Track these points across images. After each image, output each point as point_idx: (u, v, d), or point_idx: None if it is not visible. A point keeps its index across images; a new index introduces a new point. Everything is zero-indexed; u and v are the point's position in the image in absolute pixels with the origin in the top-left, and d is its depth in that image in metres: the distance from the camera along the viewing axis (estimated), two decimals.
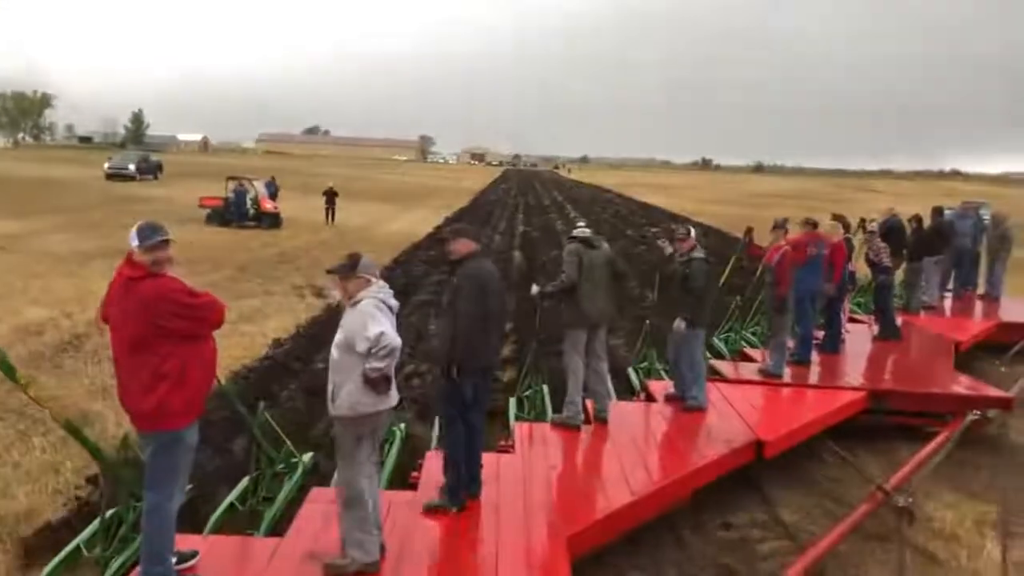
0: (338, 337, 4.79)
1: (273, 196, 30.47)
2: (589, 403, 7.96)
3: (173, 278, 4.40)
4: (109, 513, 5.18)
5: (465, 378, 5.70)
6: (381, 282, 4.95)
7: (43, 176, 49.46)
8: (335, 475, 4.85)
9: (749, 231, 11.16)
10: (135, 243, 4.34)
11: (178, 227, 23.97)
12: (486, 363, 5.94)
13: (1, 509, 6.21)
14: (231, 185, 29.29)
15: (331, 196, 30.21)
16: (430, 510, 5.67)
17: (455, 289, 5.76)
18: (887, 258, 11.90)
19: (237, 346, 11.16)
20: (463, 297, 5.66)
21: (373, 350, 4.59)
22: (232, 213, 28.23)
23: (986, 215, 17.99)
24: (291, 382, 9.83)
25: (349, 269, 4.86)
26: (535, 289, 7.84)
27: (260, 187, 30.05)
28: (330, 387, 4.77)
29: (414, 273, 19.14)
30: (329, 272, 5.01)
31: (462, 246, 5.88)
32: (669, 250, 8.94)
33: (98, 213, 29.01)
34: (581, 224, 8.25)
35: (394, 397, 4.87)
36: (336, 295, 5.29)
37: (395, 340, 4.67)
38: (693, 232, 8.53)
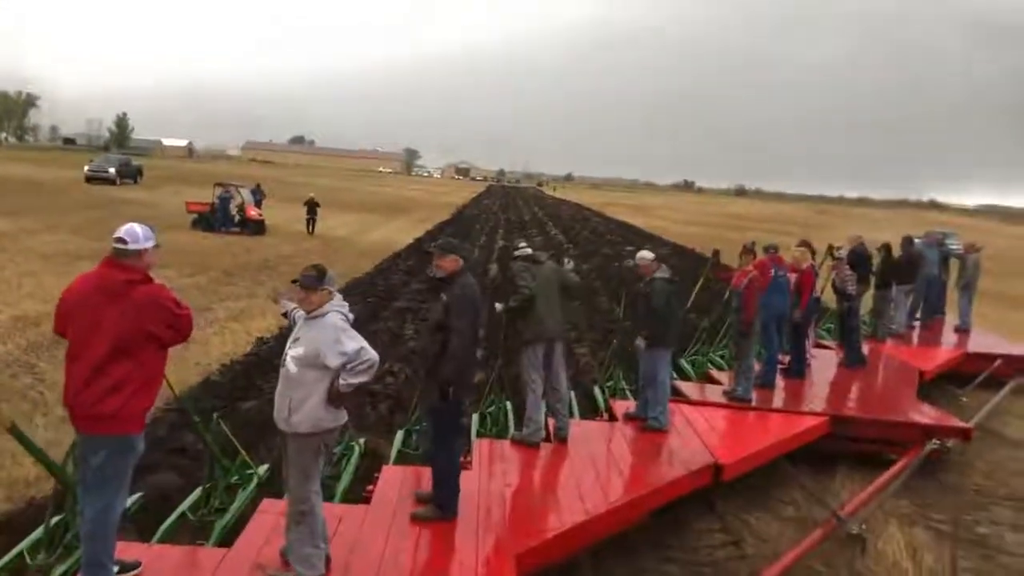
0: (298, 351, 4.70)
1: (258, 204, 30.76)
2: (551, 421, 7.98)
3: (163, 285, 4.47)
4: (55, 520, 5.13)
5: (462, 396, 5.80)
6: (340, 296, 4.94)
7: (27, 177, 49.15)
8: (287, 489, 4.81)
9: (716, 253, 11.23)
10: (151, 244, 4.41)
11: (164, 231, 24.82)
12: (474, 380, 6.00)
13: None
14: (217, 191, 29.64)
15: (312, 206, 30.16)
16: (419, 520, 5.74)
17: (447, 308, 5.70)
18: (852, 286, 12.02)
19: (226, 342, 11.90)
20: (459, 317, 5.65)
21: (350, 365, 4.59)
22: (217, 219, 28.56)
23: (953, 244, 18.20)
24: (274, 376, 9.87)
25: (316, 281, 4.82)
26: (499, 307, 7.87)
27: (246, 194, 30.42)
28: (285, 403, 4.67)
29: (393, 281, 19.93)
30: (294, 283, 5.01)
31: (450, 263, 5.84)
32: (636, 270, 9.01)
33: (84, 215, 29.32)
34: (522, 244, 8.31)
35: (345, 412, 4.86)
36: (290, 305, 5.25)
37: (375, 355, 4.67)
38: (651, 256, 8.55)
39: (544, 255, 8.29)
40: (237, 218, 28.96)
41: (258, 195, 31.69)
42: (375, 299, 16.97)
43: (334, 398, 4.62)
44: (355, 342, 4.61)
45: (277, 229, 29.65)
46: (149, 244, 4.42)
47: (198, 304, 14.79)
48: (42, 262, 18.02)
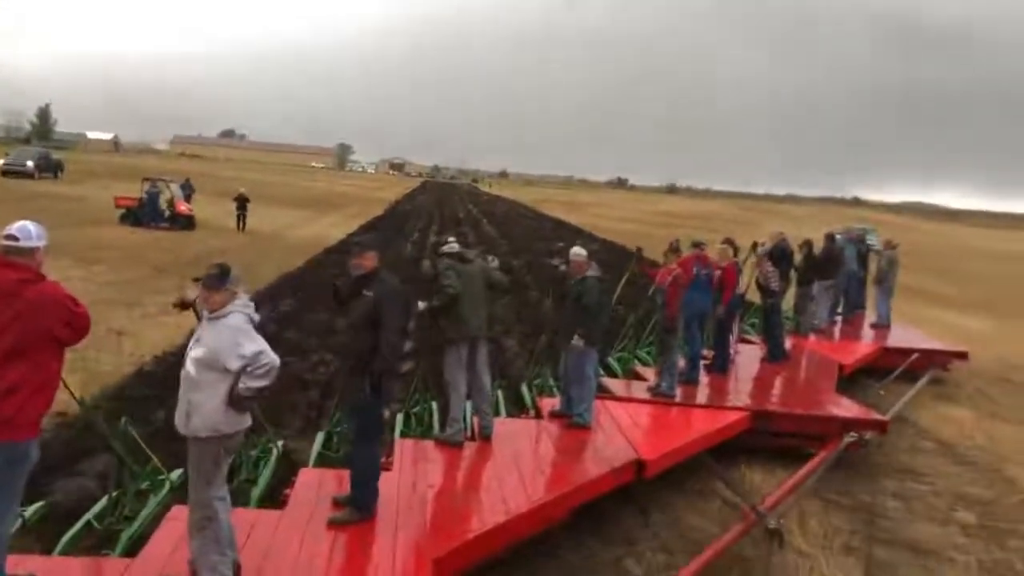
0: (197, 352, 4.56)
1: (187, 199, 30.59)
2: (476, 419, 7.93)
3: (57, 283, 4.30)
4: None
5: (391, 390, 5.85)
6: (246, 297, 4.79)
7: None
8: (189, 496, 4.66)
9: (639, 250, 11.32)
10: (43, 243, 4.25)
11: (92, 226, 25.65)
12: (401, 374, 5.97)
13: None
14: (145, 186, 29.25)
15: (242, 202, 29.63)
16: (337, 523, 5.63)
17: (376, 305, 5.66)
18: (775, 282, 12.24)
19: (160, 336, 12.08)
20: (388, 314, 5.65)
21: (249, 368, 4.45)
22: (146, 214, 28.23)
23: (871, 240, 18.68)
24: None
25: (218, 280, 4.66)
26: (422, 305, 7.78)
27: (175, 189, 30.32)
28: (183, 406, 4.53)
29: (324, 276, 19.56)
30: (196, 281, 4.84)
31: (368, 260, 5.84)
32: (563, 268, 9.01)
33: (6, 209, 27.55)
34: (451, 239, 8.24)
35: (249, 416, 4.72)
36: (191, 296, 5.07)
37: (276, 359, 4.55)
38: (584, 253, 8.56)
39: (472, 253, 8.23)
40: (167, 213, 28.64)
41: (187, 190, 31.45)
42: (304, 294, 16.81)
43: (234, 402, 4.48)
44: (255, 344, 4.49)
45: (207, 224, 29.46)
46: (42, 243, 4.26)
47: (131, 298, 14.76)
48: None
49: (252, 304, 4.77)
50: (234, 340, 4.49)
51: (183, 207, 29.26)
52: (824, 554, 6.89)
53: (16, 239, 4.15)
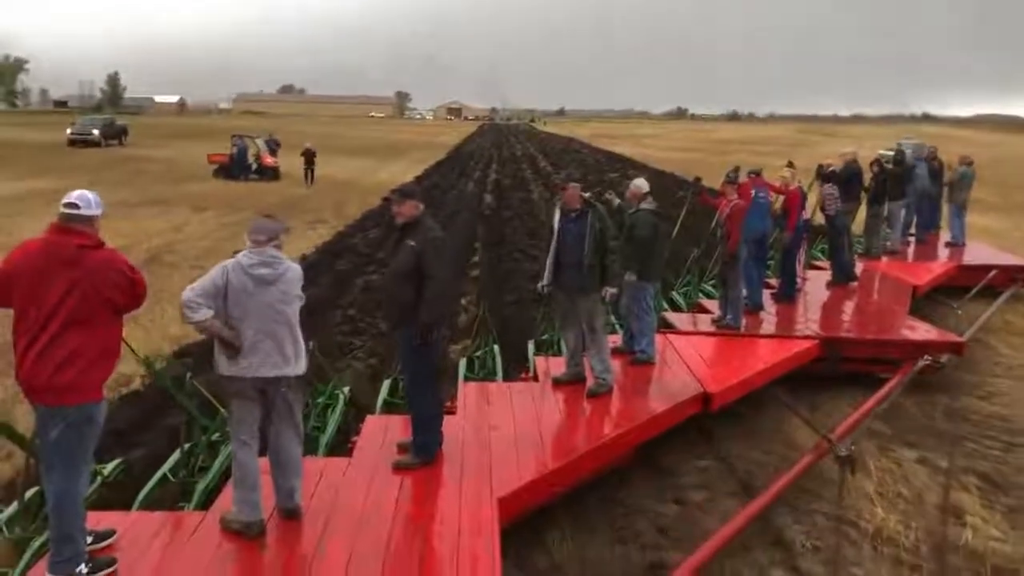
0: None
1: (273, 152, 32.56)
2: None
3: (115, 250, 4.37)
4: (30, 493, 5.09)
5: (438, 339, 5.80)
6: (267, 249, 4.77)
7: (38, 141, 49.47)
8: None
9: (697, 180, 11.03)
10: (100, 211, 4.29)
11: (190, 182, 28.94)
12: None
13: None
14: (233, 141, 32.24)
15: (310, 156, 29.97)
16: (401, 468, 5.70)
17: (420, 254, 5.58)
18: (832, 205, 11.84)
19: None
20: (434, 261, 5.58)
21: None
22: (236, 167, 31.01)
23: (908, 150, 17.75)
24: (322, 277, 13.44)
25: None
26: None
27: (260, 144, 32.78)
28: None
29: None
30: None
31: (410, 208, 5.74)
32: (616, 202, 8.84)
33: (110, 172, 32.08)
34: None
35: (263, 366, 4.73)
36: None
37: (184, 294, 4.58)
38: (644, 185, 8.35)
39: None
40: (254, 166, 31.37)
41: (273, 144, 33.27)
42: (385, 224, 18.48)
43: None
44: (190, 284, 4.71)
45: (287, 175, 31.23)
46: (100, 211, 4.29)
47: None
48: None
49: (273, 256, 4.79)
50: None
51: (269, 160, 31.64)
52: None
53: (77, 207, 4.19)
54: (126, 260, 4.35)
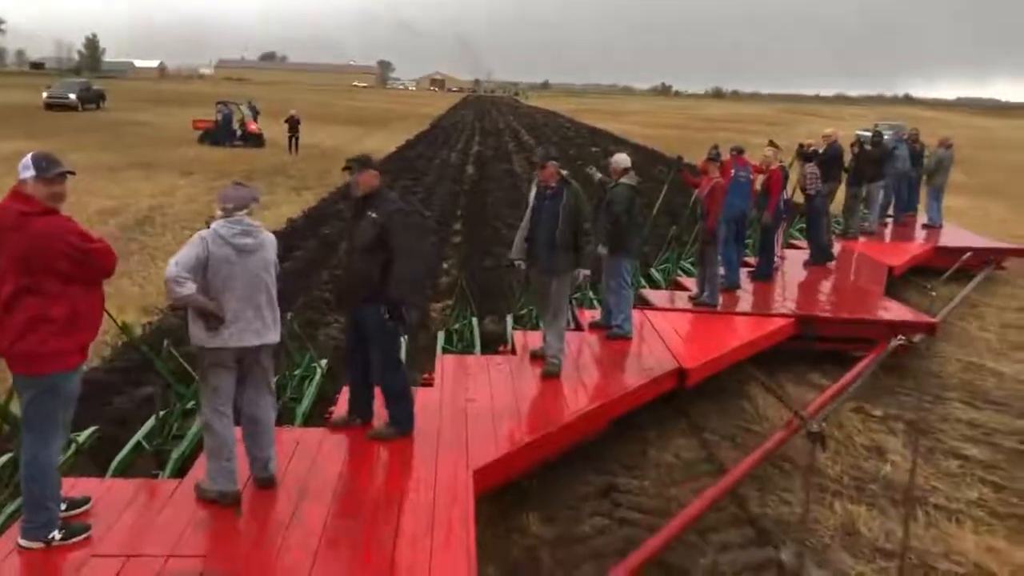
0: None
1: (254, 119, 32.97)
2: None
3: (68, 218, 4.16)
4: (3, 459, 5.08)
5: (406, 320, 5.73)
6: (241, 217, 4.76)
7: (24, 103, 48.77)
8: None
9: (679, 159, 11.04)
10: (30, 174, 4.04)
11: (177, 147, 29.26)
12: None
13: None
14: (219, 108, 32.60)
15: (294, 124, 29.73)
16: (376, 438, 5.71)
17: (384, 226, 5.46)
18: (812, 185, 11.90)
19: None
20: (402, 235, 5.48)
21: None
22: (222, 133, 31.54)
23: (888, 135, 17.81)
24: (308, 241, 14.27)
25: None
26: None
27: (245, 110, 33.16)
28: None
29: (386, 180, 22.18)
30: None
31: (370, 177, 5.64)
32: (598, 177, 8.86)
33: (98, 136, 32.19)
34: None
35: (246, 333, 4.71)
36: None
37: (169, 270, 4.54)
38: (626, 160, 8.34)
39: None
40: (239, 132, 31.77)
41: (253, 110, 33.64)
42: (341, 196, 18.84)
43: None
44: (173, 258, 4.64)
45: (272, 142, 31.47)
46: (28, 174, 4.05)
47: None
48: (88, 173, 19.68)
49: (249, 225, 4.77)
50: None
51: (253, 126, 32.13)
52: None
53: (19, 172, 4.08)
54: (77, 228, 4.15)
